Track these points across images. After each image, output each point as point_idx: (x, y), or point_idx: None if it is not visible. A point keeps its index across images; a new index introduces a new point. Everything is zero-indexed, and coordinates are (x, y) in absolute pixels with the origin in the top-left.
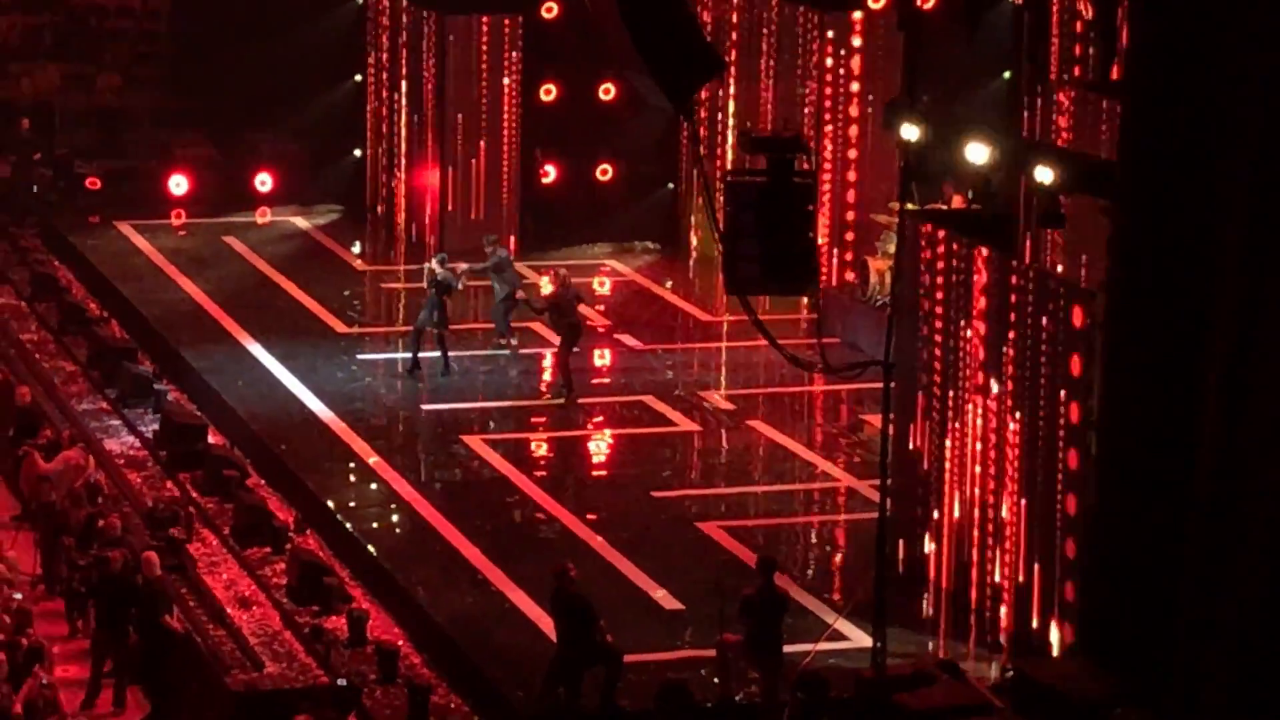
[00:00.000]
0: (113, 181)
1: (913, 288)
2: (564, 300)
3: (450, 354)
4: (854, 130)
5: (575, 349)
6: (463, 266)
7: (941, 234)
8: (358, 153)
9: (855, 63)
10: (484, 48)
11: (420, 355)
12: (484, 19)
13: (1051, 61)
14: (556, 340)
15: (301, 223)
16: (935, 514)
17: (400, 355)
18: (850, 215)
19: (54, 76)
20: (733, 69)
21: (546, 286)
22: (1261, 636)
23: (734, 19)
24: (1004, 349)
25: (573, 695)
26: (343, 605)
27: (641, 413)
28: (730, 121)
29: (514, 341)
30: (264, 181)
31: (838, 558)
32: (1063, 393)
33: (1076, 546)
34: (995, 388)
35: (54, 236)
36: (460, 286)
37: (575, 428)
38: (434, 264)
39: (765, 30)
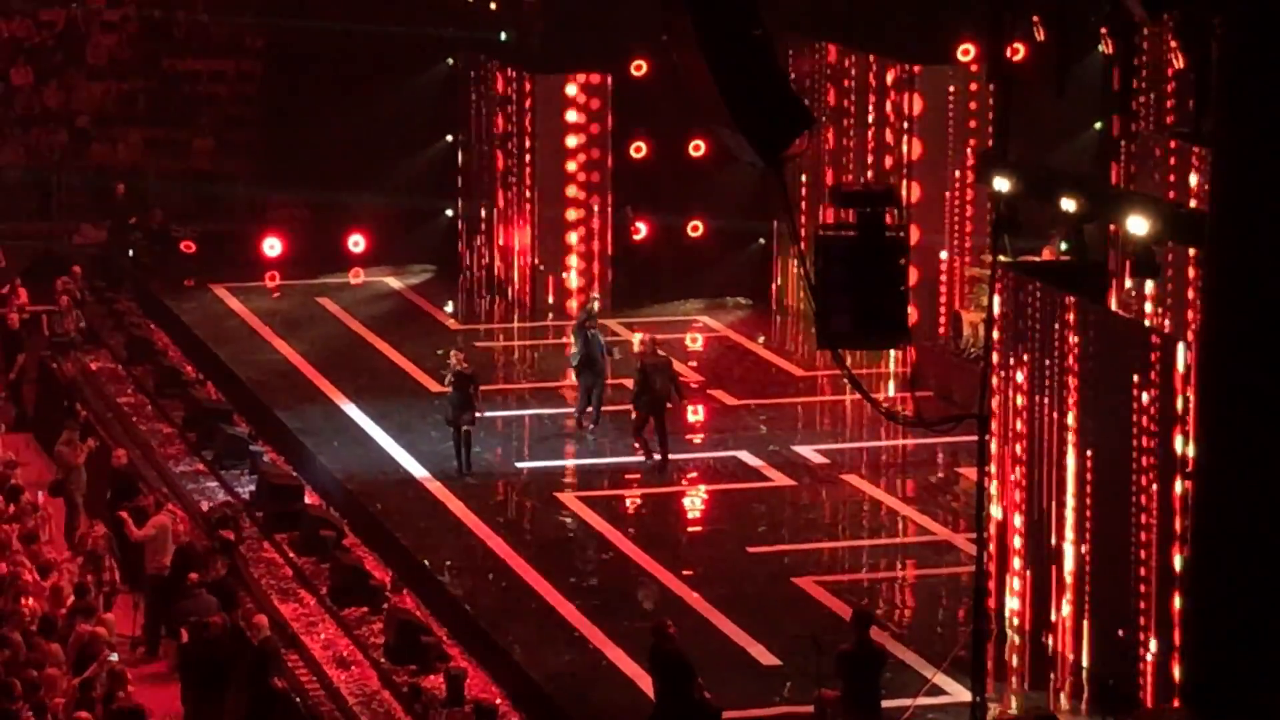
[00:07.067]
0: (207, 245)
1: (1005, 340)
2: (648, 368)
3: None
4: (945, 183)
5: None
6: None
7: (1034, 285)
8: (450, 212)
9: (946, 115)
10: (574, 106)
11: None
12: (574, 77)
13: (1143, 111)
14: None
15: (394, 283)
16: (1032, 566)
17: (497, 414)
18: (942, 268)
19: (140, 143)
20: (824, 123)
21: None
22: None
23: (824, 73)
24: (1098, 400)
25: None
26: (440, 664)
27: (735, 468)
28: (821, 176)
29: (593, 427)
30: (357, 242)
31: (935, 612)
32: (1159, 443)
33: (1178, 597)
34: (1090, 439)
35: (150, 300)
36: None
37: (669, 484)
38: (454, 358)
39: (855, 84)
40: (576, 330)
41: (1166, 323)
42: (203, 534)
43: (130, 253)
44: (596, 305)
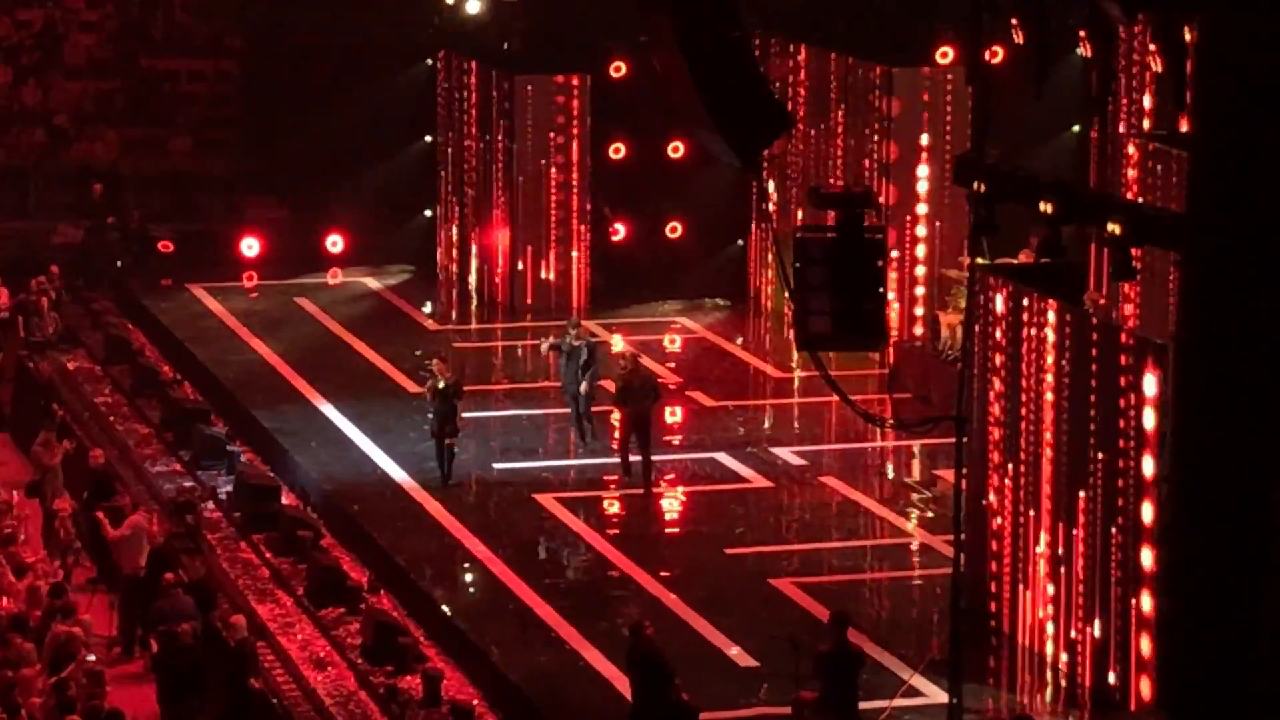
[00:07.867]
0: (185, 244)
1: (983, 342)
2: (622, 387)
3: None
4: (923, 185)
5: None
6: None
7: (1012, 288)
8: (428, 213)
9: (924, 117)
10: (553, 107)
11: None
12: (553, 78)
13: (1120, 114)
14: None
15: (373, 283)
16: (1009, 568)
17: (474, 414)
18: (921, 270)
19: (116, 142)
20: (801, 125)
21: (618, 343)
22: None
23: (802, 75)
24: (1075, 402)
25: None
26: (417, 665)
27: (713, 469)
28: (799, 177)
29: (584, 437)
30: (335, 242)
31: (912, 613)
32: (1136, 446)
33: (1153, 601)
34: (1067, 441)
35: (127, 300)
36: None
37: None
38: (436, 366)
39: (833, 86)
40: (557, 348)
41: (1144, 327)
42: (168, 522)
43: (107, 252)
44: (572, 332)
